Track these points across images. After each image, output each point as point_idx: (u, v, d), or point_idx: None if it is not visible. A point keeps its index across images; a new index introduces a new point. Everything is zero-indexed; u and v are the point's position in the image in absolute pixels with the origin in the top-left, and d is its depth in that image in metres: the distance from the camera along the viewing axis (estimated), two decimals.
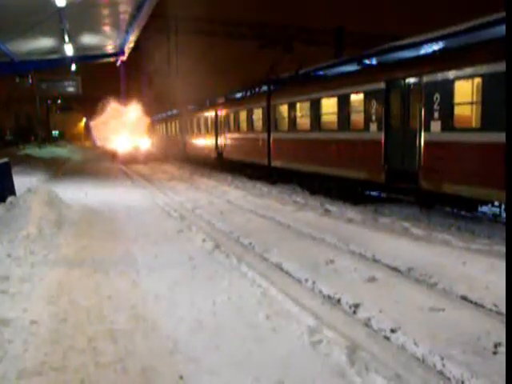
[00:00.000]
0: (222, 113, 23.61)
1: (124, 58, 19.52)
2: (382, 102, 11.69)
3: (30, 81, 19.52)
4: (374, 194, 13.81)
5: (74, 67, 21.62)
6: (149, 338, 4.71)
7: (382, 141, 11.71)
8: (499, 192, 8.51)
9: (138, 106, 34.71)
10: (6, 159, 13.00)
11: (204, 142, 26.71)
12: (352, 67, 14.55)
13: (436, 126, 10.07)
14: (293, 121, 16.45)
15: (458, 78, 9.51)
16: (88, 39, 15.74)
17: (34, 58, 17.69)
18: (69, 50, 16.00)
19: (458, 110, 9.73)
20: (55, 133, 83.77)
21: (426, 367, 4.19)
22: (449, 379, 3.99)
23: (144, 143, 30.94)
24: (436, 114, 10.04)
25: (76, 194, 15.48)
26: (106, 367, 4.12)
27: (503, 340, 4.50)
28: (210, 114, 25.29)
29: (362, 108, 12.51)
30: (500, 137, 8.17)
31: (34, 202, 10.47)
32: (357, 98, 12.86)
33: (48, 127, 72.61)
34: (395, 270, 7.02)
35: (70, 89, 22.28)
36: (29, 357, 4.28)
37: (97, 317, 5.24)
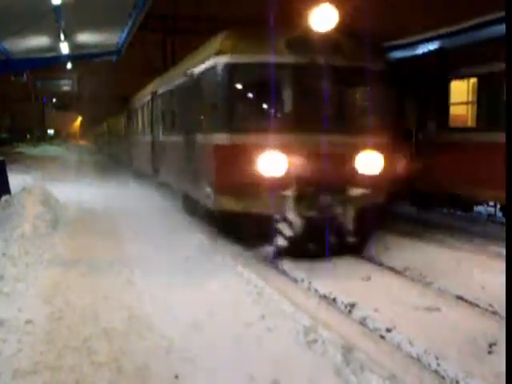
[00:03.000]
0: None
1: (119, 57, 19.44)
2: None
3: (26, 79, 19.39)
4: None
5: (69, 65, 21.53)
6: (144, 337, 4.69)
7: None
8: (492, 191, 8.50)
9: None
10: (0, 158, 12.93)
11: None
12: None
13: (432, 125, 10.07)
14: None
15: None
16: (84, 38, 15.68)
17: (29, 56, 17.59)
18: (64, 48, 15.91)
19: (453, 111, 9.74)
20: (50, 131, 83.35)
21: (421, 366, 4.20)
22: (443, 378, 4.01)
23: (371, 163, 7.44)
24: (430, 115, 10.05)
25: (71, 193, 15.40)
26: (101, 367, 4.11)
27: (498, 340, 4.52)
28: None
29: None
30: (493, 137, 8.18)
31: (29, 201, 10.39)
32: None
33: (43, 126, 72.22)
34: (391, 269, 7.03)
35: (66, 87, 22.21)
36: (24, 356, 4.26)
37: (92, 316, 5.21)
